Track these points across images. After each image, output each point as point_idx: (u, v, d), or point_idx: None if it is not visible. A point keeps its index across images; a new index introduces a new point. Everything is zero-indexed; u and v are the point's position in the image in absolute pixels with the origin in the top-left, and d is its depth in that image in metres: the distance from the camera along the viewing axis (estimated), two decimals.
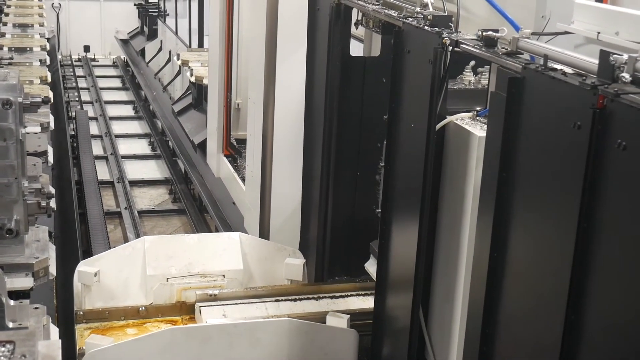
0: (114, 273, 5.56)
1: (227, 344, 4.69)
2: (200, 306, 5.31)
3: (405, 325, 4.51)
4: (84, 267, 5.48)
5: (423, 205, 4.28)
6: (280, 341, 4.77)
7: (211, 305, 5.33)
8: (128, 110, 15.86)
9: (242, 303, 5.37)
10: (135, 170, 12.19)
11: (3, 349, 2.60)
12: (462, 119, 4.23)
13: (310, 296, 5.64)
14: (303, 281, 5.83)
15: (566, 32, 3.79)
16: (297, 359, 4.78)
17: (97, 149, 12.76)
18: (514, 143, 3.39)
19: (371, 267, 5.24)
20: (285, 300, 5.52)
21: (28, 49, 9.22)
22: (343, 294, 5.75)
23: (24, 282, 4.04)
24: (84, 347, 4.75)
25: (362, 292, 5.78)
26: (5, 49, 9.00)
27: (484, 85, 5.02)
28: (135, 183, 11.68)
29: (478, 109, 4.29)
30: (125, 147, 13.25)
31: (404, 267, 4.56)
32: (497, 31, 3.78)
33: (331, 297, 5.68)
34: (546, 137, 3.18)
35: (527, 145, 3.32)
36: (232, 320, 4.79)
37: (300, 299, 5.57)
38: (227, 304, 5.34)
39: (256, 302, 5.39)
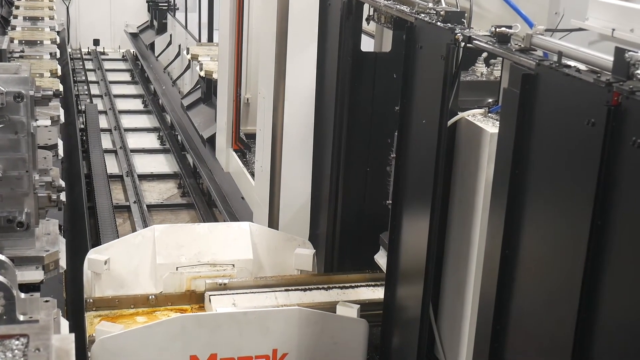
0: (124, 261, 5.57)
1: (237, 332, 4.68)
2: (210, 295, 5.32)
3: (415, 321, 4.50)
4: (94, 255, 5.50)
5: (434, 201, 4.27)
6: (290, 330, 4.75)
7: (221, 294, 5.33)
8: (137, 104, 15.87)
9: (252, 292, 5.38)
10: (144, 164, 12.20)
11: (17, 342, 2.59)
12: (474, 116, 4.22)
13: (320, 286, 5.62)
14: (313, 271, 5.82)
15: (580, 29, 3.78)
16: (307, 347, 4.77)
17: (106, 142, 12.77)
18: (527, 140, 3.38)
19: (381, 259, 5.23)
20: (295, 290, 5.52)
21: (38, 42, 9.23)
22: (353, 284, 5.74)
23: (34, 275, 4.05)
24: (94, 334, 4.75)
25: (372, 283, 5.77)
26: (16, 42, 9.01)
27: (496, 77, 4.99)
28: (144, 177, 11.69)
29: (490, 100, 4.27)
30: (134, 141, 13.26)
31: (414, 263, 4.55)
32: (510, 27, 3.76)
33: (341, 288, 5.65)
34: (560, 134, 3.16)
35: (540, 142, 3.31)
36: (242, 308, 4.79)
37: (310, 289, 5.56)
38: (237, 293, 5.34)
39: (266, 292, 5.39)
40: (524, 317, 3.48)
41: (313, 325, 4.78)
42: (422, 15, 4.45)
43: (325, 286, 5.66)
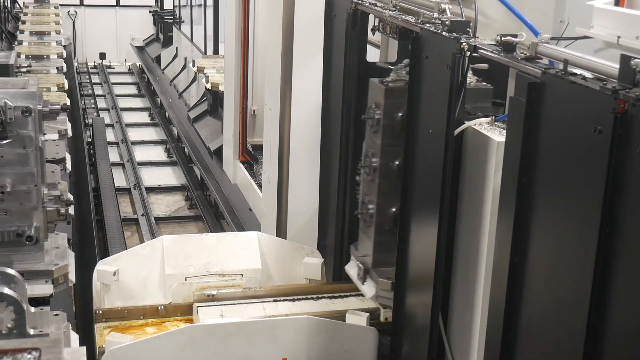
0: (133, 272, 5.57)
1: (246, 342, 4.68)
2: (197, 306, 5.26)
3: (424, 330, 4.50)
4: (103, 266, 5.50)
5: (442, 210, 4.27)
6: (300, 339, 4.76)
7: (209, 306, 5.27)
8: (144, 117, 15.92)
9: (240, 304, 5.30)
10: (151, 177, 12.24)
11: (29, 356, 2.60)
12: (481, 124, 4.22)
13: (309, 296, 5.56)
14: (321, 280, 5.79)
15: (585, 37, 3.78)
16: (316, 356, 4.77)
17: (113, 155, 12.81)
18: (534, 148, 3.38)
19: (351, 269, 5.22)
20: (284, 300, 5.44)
21: (45, 56, 9.28)
22: (342, 294, 5.64)
23: (43, 289, 4.06)
24: (103, 345, 4.75)
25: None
26: (23, 56, 9.06)
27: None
28: (151, 189, 11.72)
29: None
30: (141, 153, 13.30)
31: (423, 272, 4.54)
32: (515, 36, 3.77)
33: (330, 297, 5.58)
34: (566, 142, 3.16)
35: (547, 150, 3.31)
36: (252, 318, 4.79)
37: (299, 299, 5.49)
38: (225, 304, 5.28)
39: (254, 303, 5.32)
40: (533, 325, 3.47)
41: (322, 334, 4.78)
42: (428, 25, 4.46)
43: (314, 296, 5.61)
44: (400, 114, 4.77)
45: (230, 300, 5.37)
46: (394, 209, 4.88)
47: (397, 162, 4.82)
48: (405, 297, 4.84)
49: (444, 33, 4.23)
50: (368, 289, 4.93)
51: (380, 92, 4.84)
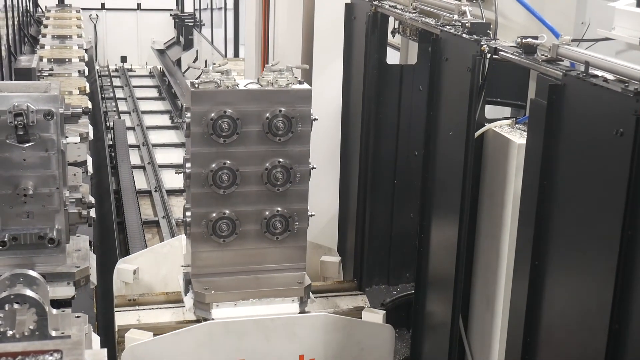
0: (153, 270, 5.55)
1: (264, 339, 4.64)
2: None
3: (444, 333, 4.49)
4: (123, 264, 5.51)
5: (462, 212, 4.27)
6: (317, 336, 4.71)
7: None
8: (165, 120, 15.99)
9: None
10: (172, 180, 12.28)
11: (51, 358, 2.62)
12: (501, 127, 4.21)
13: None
14: (339, 279, 5.76)
15: (607, 39, 3.76)
16: (333, 353, 4.76)
17: (134, 158, 12.87)
18: (555, 150, 3.37)
19: (180, 280, 4.98)
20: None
21: (67, 60, 9.33)
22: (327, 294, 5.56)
23: (65, 291, 4.08)
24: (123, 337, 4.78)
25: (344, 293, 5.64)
26: (45, 60, 9.12)
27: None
28: (172, 192, 11.76)
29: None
30: (162, 156, 13.35)
31: (442, 275, 4.54)
32: (536, 38, 3.76)
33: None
34: (588, 144, 3.15)
35: (568, 152, 3.29)
36: (270, 315, 4.68)
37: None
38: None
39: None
40: (555, 329, 3.45)
41: (339, 331, 4.76)
42: (448, 27, 4.45)
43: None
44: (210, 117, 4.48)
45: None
46: (213, 216, 4.64)
47: (212, 167, 4.53)
48: (425, 299, 4.84)
49: (464, 35, 4.22)
50: (188, 300, 4.79)
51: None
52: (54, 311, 3.34)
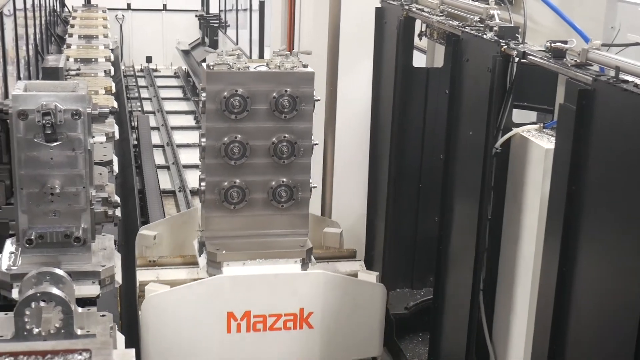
0: (172, 237, 6.00)
1: (268, 292, 5.07)
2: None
3: (461, 339, 4.49)
4: (144, 231, 5.99)
5: (481, 212, 4.27)
6: (316, 292, 5.12)
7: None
8: (189, 120, 16.01)
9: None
10: (196, 180, 12.26)
11: (80, 357, 2.63)
12: (529, 131, 4.19)
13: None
14: (340, 248, 6.08)
15: (637, 43, 3.73)
16: (330, 308, 5.18)
17: (159, 158, 12.90)
18: (584, 156, 3.34)
19: (195, 244, 5.37)
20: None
21: (93, 59, 9.37)
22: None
23: (90, 289, 4.09)
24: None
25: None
26: (72, 59, 9.17)
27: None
28: (196, 192, 11.76)
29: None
30: (186, 156, 13.36)
31: (461, 280, 4.52)
32: (565, 42, 3.73)
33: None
34: (617, 149, 3.12)
35: (597, 158, 3.27)
36: (274, 269, 5.11)
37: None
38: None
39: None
40: (581, 336, 3.42)
41: (336, 288, 5.17)
42: (468, 28, 4.47)
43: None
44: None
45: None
46: (224, 184, 5.03)
47: (225, 140, 4.96)
48: (444, 298, 4.84)
49: (484, 36, 4.22)
50: (201, 260, 5.25)
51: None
52: (80, 310, 3.36)
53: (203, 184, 5.13)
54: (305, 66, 5.09)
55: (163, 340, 5.05)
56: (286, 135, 5.01)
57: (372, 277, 5.46)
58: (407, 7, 5.41)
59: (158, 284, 5.24)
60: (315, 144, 5.15)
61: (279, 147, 5.01)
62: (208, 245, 5.14)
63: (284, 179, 5.09)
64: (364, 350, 5.40)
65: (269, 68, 5.05)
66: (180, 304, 5.03)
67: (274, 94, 4.94)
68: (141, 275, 5.52)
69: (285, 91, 4.94)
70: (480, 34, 4.28)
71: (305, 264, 5.17)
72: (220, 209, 5.09)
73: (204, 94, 4.97)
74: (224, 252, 5.09)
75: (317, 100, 5.06)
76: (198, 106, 5.16)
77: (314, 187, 5.24)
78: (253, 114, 4.95)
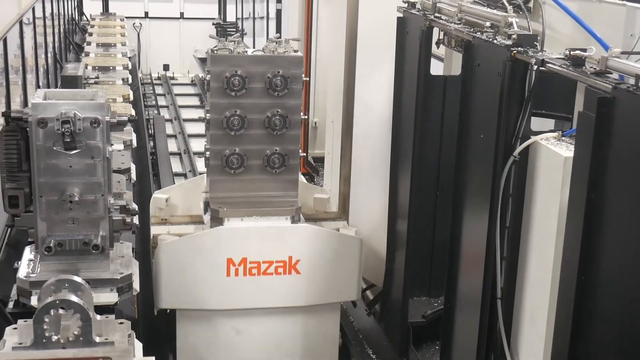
0: (181, 200, 6.82)
1: (260, 242, 5.84)
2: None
3: (472, 348, 4.47)
4: (158, 194, 6.82)
5: (491, 216, 4.27)
6: (302, 242, 5.89)
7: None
8: None
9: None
10: None
11: None
12: (547, 139, 4.17)
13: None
14: (328, 211, 6.87)
15: None
16: (315, 256, 5.92)
17: (176, 166, 12.93)
18: (603, 164, 3.32)
19: (201, 204, 6.36)
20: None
21: (111, 67, 9.41)
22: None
23: (108, 297, 4.10)
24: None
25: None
26: (90, 67, 9.21)
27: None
28: None
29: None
30: (203, 163, 13.39)
31: (471, 288, 4.50)
32: (585, 50, 3.71)
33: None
34: (637, 157, 3.10)
35: (617, 166, 3.25)
36: (267, 223, 5.87)
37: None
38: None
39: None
40: (601, 345, 3.40)
41: (320, 240, 5.95)
42: (479, 33, 4.48)
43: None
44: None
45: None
46: (226, 152, 5.81)
47: (226, 114, 5.73)
48: (455, 306, 4.82)
49: (495, 41, 4.22)
50: (206, 217, 6.05)
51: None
52: (98, 317, 3.37)
53: (208, 152, 5.94)
54: (295, 51, 5.88)
55: (172, 282, 5.80)
56: (279, 110, 5.76)
57: (351, 231, 6.26)
58: (430, 17, 5.41)
59: (168, 235, 6.05)
60: (304, 118, 6.00)
61: (273, 120, 5.75)
62: (212, 204, 5.90)
63: (277, 148, 5.84)
64: (344, 294, 6.19)
65: (265, 52, 5.81)
66: (187, 251, 5.81)
67: (269, 75, 5.69)
68: (155, 230, 6.39)
69: (278, 72, 5.69)
70: (490, 39, 4.29)
71: (295, 221, 5.92)
72: (222, 173, 5.89)
73: (209, 76, 5.73)
74: (225, 209, 5.84)
75: (306, 80, 5.82)
76: (204, 85, 6.03)
77: (303, 155, 6.03)
78: (250, 91, 5.71)
